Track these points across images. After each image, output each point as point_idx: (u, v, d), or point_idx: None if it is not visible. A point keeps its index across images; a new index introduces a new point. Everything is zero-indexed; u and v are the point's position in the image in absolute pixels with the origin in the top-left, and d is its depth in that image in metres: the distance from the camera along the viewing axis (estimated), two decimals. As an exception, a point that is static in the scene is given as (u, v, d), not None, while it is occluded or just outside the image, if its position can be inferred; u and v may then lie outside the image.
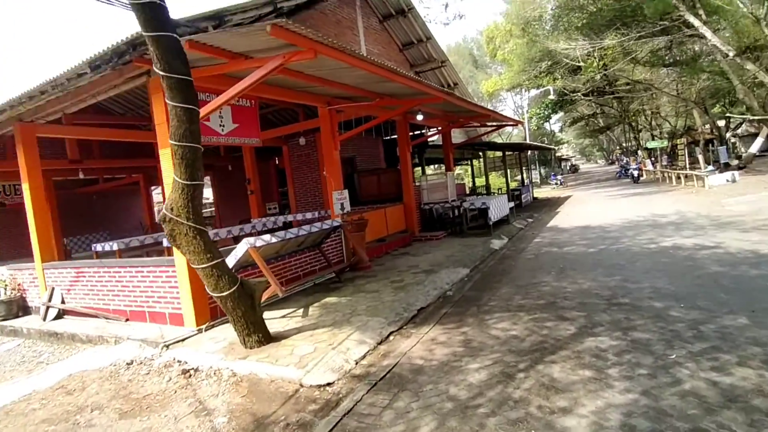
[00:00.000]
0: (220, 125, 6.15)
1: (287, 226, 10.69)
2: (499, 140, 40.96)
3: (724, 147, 26.02)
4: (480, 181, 29.32)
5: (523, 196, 20.21)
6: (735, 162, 24.35)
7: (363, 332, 4.93)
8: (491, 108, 15.18)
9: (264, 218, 10.22)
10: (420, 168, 17.21)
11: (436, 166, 29.30)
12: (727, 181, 17.18)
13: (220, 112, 6.15)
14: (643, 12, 21.19)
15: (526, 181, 24.60)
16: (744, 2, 16.82)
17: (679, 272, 5.97)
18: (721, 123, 35.03)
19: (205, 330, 5.35)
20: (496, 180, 33.34)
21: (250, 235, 9.23)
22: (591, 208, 15.70)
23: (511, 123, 13.87)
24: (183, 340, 5.10)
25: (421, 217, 12.32)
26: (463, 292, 6.42)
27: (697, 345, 3.69)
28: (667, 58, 24.79)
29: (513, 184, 30.95)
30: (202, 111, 4.96)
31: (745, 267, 5.81)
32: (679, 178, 22.04)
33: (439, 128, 13.37)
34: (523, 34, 26.68)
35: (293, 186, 13.08)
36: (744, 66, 18.12)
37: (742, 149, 32.10)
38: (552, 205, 19.37)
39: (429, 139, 16.99)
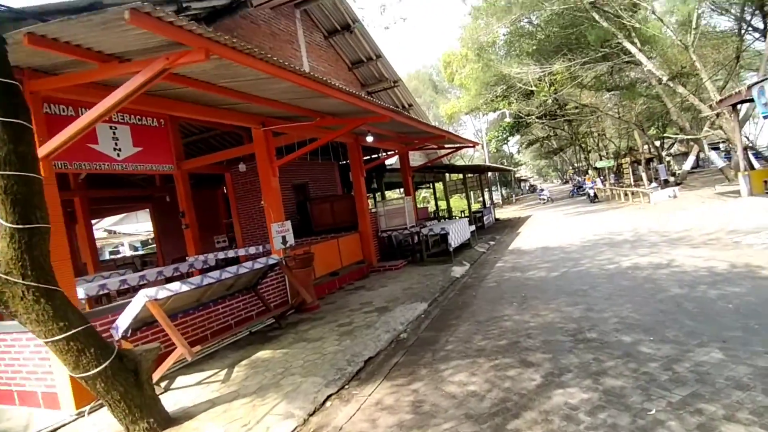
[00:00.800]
0: (115, 149, 4.98)
1: (232, 261, 9.46)
2: (460, 162, 40.91)
3: (663, 165, 26.54)
4: (443, 204, 28.76)
5: (485, 217, 19.57)
6: (672, 179, 24.81)
7: (292, 400, 3.80)
8: (452, 131, 14.51)
9: (204, 255, 8.96)
10: (380, 193, 16.29)
11: (401, 190, 28.62)
12: (669, 197, 17.17)
13: (114, 133, 5.00)
14: (586, 39, 21.39)
15: (488, 202, 24.07)
16: (672, 32, 17.06)
17: (641, 296, 5.51)
18: (658, 143, 36.17)
19: (89, 413, 4.01)
20: (459, 202, 32.90)
21: (188, 275, 7.99)
22: (551, 228, 15.14)
23: (469, 144, 13.19)
24: (56, 430, 3.82)
25: (379, 246, 11.31)
26: (419, 333, 5.39)
27: (676, 392, 3.10)
28: (609, 83, 25.16)
29: (475, 206, 30.54)
30: (67, 130, 3.81)
31: (703, 287, 5.49)
32: (626, 195, 22.00)
33: (393, 151, 12.54)
34: (478, 59, 26.61)
35: (238, 217, 11.80)
36: (676, 90, 18.37)
37: (676, 167, 32.98)
38: (513, 225, 18.78)
39: (387, 163, 16.18)
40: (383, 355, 4.80)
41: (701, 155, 34.63)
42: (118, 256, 23.88)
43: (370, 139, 9.03)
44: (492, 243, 13.42)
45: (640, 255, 8.07)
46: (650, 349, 3.90)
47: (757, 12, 22.99)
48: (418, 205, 38.83)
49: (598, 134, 38.49)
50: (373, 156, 14.89)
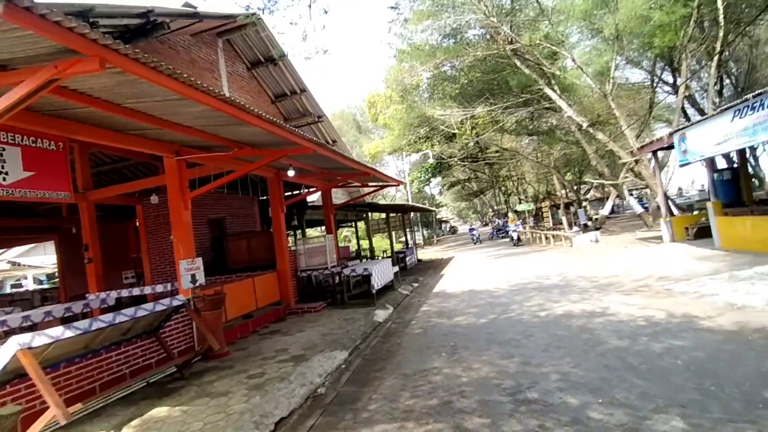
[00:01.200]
0: (1, 172, 4.48)
1: (139, 299, 8.74)
2: (383, 202, 41.82)
3: (582, 210, 29.26)
4: (366, 243, 29.00)
5: (407, 258, 20.00)
6: (591, 223, 27.33)
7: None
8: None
9: (107, 292, 8.16)
10: (300, 230, 16.08)
11: (323, 228, 28.44)
12: (591, 241, 18.78)
13: (1, 155, 4.51)
14: (508, 85, 23.47)
15: (410, 242, 24.73)
16: (591, 81, 19.26)
17: (580, 348, 5.41)
18: (575, 188, 39.97)
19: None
20: (381, 242, 33.35)
21: (83, 315, 7.20)
22: (475, 271, 15.81)
23: (393, 183, 13.62)
24: None
25: (297, 286, 11.06)
26: (339, 387, 5.19)
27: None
28: (530, 128, 27.61)
29: (398, 246, 31.13)
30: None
31: (644, 339, 5.44)
32: (548, 238, 23.79)
33: (315, 187, 12.56)
34: (402, 100, 27.96)
35: (148, 252, 11.02)
36: (595, 136, 20.56)
37: (593, 212, 36.55)
38: (436, 267, 19.37)
39: (309, 200, 16.10)
40: (297, 415, 4.53)
41: (616, 201, 38.65)
42: (21, 289, 21.57)
43: (291, 173, 8.98)
44: (416, 285, 13.69)
45: (572, 301, 8.30)
46: (601, 414, 3.66)
47: (666, 67, 26.64)
48: (340, 244, 38.76)
49: (518, 178, 41.63)
50: (294, 192, 14.77)
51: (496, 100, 22.95)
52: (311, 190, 12.77)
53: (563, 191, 40.19)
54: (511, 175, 40.91)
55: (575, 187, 39.35)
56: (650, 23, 18.29)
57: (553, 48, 20.02)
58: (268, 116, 5.87)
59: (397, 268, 12.97)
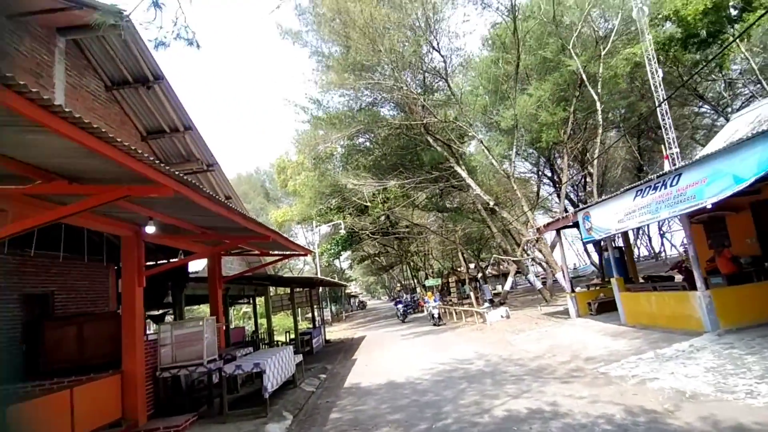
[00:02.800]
0: None
1: None
2: (289, 275, 38.28)
3: (487, 286, 28.49)
4: (268, 321, 25.13)
5: (314, 340, 16.87)
6: (496, 299, 26.48)
7: None
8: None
9: None
10: (178, 310, 12.50)
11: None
12: (502, 317, 17.26)
13: None
14: (421, 161, 22.66)
15: (318, 321, 21.54)
16: (496, 163, 18.94)
17: None
18: (472, 264, 40.07)
19: None
20: (285, 320, 29.57)
21: None
22: (390, 354, 13.23)
23: (300, 252, 10.98)
24: None
25: (155, 393, 7.64)
26: None
27: None
28: (440, 204, 26.85)
29: (303, 325, 27.55)
30: None
31: None
32: (459, 314, 22.06)
33: (196, 252, 9.59)
34: (315, 167, 26.06)
35: None
36: (501, 214, 19.99)
37: (493, 288, 36.34)
38: (347, 350, 16.42)
39: (192, 269, 12.85)
40: None
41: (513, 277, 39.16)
42: None
43: (150, 229, 6.15)
44: (323, 377, 10.72)
45: (512, 395, 6.49)
46: None
47: (546, 163, 28.23)
48: (238, 324, 33.98)
49: (425, 254, 40.72)
50: (171, 260, 11.48)
51: (408, 174, 21.88)
52: (193, 256, 9.73)
53: (467, 267, 39.95)
54: (420, 250, 39.90)
55: (483, 264, 39.48)
56: (538, 121, 19.25)
57: (463, 128, 19.71)
58: (82, 120, 3.23)
59: (300, 357, 9.98)
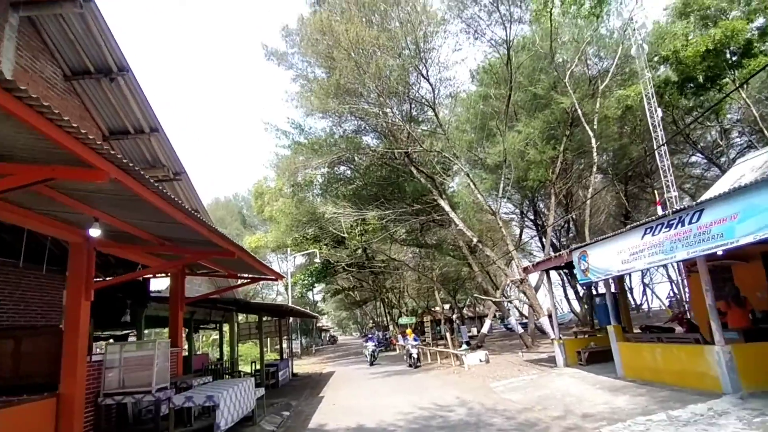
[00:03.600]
0: None
1: None
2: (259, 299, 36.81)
3: (464, 327, 27.74)
4: (235, 351, 23.69)
5: (280, 372, 15.78)
6: (473, 341, 25.71)
7: None
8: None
9: None
10: (136, 332, 11.46)
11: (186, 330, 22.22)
12: (481, 361, 16.49)
13: None
14: (403, 194, 22.34)
15: (286, 353, 20.37)
16: (482, 197, 18.71)
17: None
18: (447, 305, 39.33)
19: None
20: (252, 350, 28.08)
21: None
22: (360, 393, 12.31)
23: (270, 276, 10.21)
24: None
25: (95, 422, 6.66)
26: None
27: None
28: (420, 239, 26.41)
29: (270, 356, 26.13)
30: None
31: None
32: (434, 355, 21.17)
33: (151, 267, 8.78)
34: (293, 194, 25.47)
35: None
36: (484, 251, 19.63)
37: (471, 330, 35.54)
38: (314, 385, 15.35)
39: (155, 288, 11.96)
40: None
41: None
42: None
43: (95, 232, 5.44)
44: (286, 414, 9.76)
45: None
46: None
47: (529, 206, 28.30)
48: (207, 351, 32.13)
49: (400, 291, 39.85)
50: (141, 278, 10.61)
51: (389, 206, 21.45)
52: (149, 270, 8.90)
53: (442, 307, 39.18)
54: (395, 286, 39.04)
55: (459, 305, 38.74)
56: (526, 159, 19.29)
57: (448, 161, 19.59)
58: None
59: (262, 391, 9.06)
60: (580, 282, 10.62)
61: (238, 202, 47.37)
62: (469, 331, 33.63)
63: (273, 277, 10.21)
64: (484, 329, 26.79)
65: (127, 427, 7.10)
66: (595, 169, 18.35)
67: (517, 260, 17.99)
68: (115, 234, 6.91)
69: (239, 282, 12.80)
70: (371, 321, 73.86)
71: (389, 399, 10.71)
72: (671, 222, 8.08)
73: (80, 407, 6.26)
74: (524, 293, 17.23)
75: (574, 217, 27.67)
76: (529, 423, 7.19)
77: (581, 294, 34.03)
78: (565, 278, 36.45)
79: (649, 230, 8.60)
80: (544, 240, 29.01)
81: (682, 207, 8.17)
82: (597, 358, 11.87)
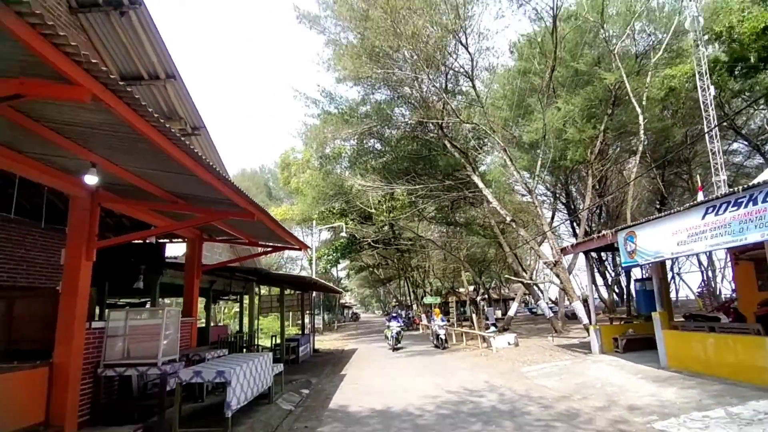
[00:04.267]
0: None
1: None
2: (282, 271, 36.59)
3: (491, 309, 26.72)
4: (259, 323, 23.42)
5: (301, 348, 15.27)
6: (499, 324, 24.73)
7: None
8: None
9: None
10: (151, 299, 10.98)
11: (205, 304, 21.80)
12: (509, 344, 15.54)
13: None
14: (434, 168, 21.27)
15: (308, 328, 19.91)
16: (518, 174, 17.46)
17: None
18: (471, 287, 38.25)
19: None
20: (274, 323, 27.91)
21: None
22: (383, 373, 11.63)
23: (293, 244, 9.45)
24: None
25: (94, 394, 6.10)
26: None
27: None
28: (450, 217, 25.31)
29: (291, 331, 25.89)
30: None
31: None
32: (460, 336, 20.34)
33: (158, 227, 8.09)
34: (321, 166, 24.71)
35: None
36: (517, 231, 18.46)
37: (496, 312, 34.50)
38: (335, 362, 14.80)
39: (171, 254, 11.43)
40: None
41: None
42: None
43: (91, 180, 4.71)
44: (305, 393, 9.13)
45: None
46: None
47: (562, 188, 26.77)
48: (225, 321, 32.23)
49: (425, 270, 39.00)
50: (149, 241, 10.07)
51: (420, 181, 20.42)
52: (156, 229, 8.26)
53: (467, 288, 38.23)
54: (420, 265, 38.18)
55: (486, 287, 37.71)
56: (564, 137, 17.97)
57: (484, 133, 18.37)
58: None
59: (280, 367, 8.42)
60: (624, 265, 9.56)
61: (264, 174, 47.06)
62: (494, 314, 32.67)
63: (297, 246, 9.45)
64: (511, 312, 25.80)
65: (130, 401, 6.54)
66: (641, 148, 16.78)
67: (553, 241, 16.78)
68: (122, 188, 6.22)
69: (261, 251, 12.16)
70: (394, 299, 73.68)
71: (415, 381, 9.97)
72: (740, 200, 7.12)
73: (76, 378, 5.70)
74: (558, 276, 16.07)
75: (606, 201, 26.08)
76: (570, 413, 6.36)
77: (610, 280, 32.54)
78: (593, 263, 34.72)
79: (711, 209, 7.65)
80: (575, 224, 27.55)
81: (753, 184, 7.06)
82: (635, 345, 10.98)
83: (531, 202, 25.10)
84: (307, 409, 7.69)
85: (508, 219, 17.23)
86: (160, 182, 5.82)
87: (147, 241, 10.70)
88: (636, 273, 26.17)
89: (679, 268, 49.06)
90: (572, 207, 29.46)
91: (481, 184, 17.58)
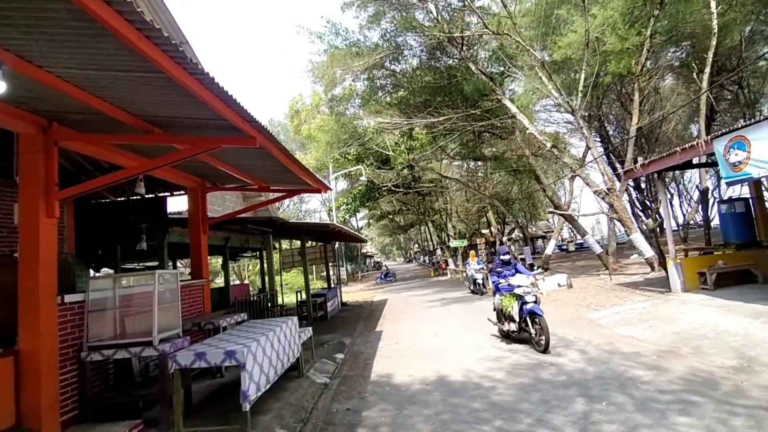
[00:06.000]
0: None
1: None
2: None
3: (528, 248, 25.29)
4: (282, 279, 22.53)
5: (329, 303, 14.16)
6: (537, 264, 23.39)
7: None
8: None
9: None
10: (159, 262, 9.70)
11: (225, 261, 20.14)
12: (560, 285, 14.09)
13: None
14: (456, 95, 19.13)
15: (334, 281, 18.84)
16: (556, 92, 15.22)
17: None
18: (494, 228, 36.65)
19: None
20: (297, 278, 27.13)
21: None
22: (423, 327, 10.38)
23: (313, 185, 7.86)
24: None
25: (80, 385, 4.84)
26: None
27: None
28: (476, 151, 23.34)
29: (317, 285, 25.01)
30: None
31: None
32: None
33: (123, 171, 6.57)
34: (331, 109, 22.77)
35: None
36: (561, 158, 16.55)
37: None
38: (367, 317, 13.67)
39: (175, 209, 10.08)
40: None
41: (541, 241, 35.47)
42: None
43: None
44: (340, 358, 7.91)
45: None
46: None
47: (596, 114, 24.11)
48: (251, 279, 31.56)
49: (447, 214, 37.43)
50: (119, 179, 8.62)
51: (442, 113, 18.38)
52: (127, 173, 6.75)
53: (496, 227, 36.75)
54: (443, 208, 36.57)
55: (498, 228, 36.07)
56: (601, 50, 15.48)
57: (520, 41, 15.93)
58: None
59: (309, 332, 7.12)
60: (727, 180, 7.70)
61: (274, 127, 44.96)
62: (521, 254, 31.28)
63: (315, 187, 7.89)
64: (548, 250, 24.29)
65: (127, 389, 5.31)
66: (714, 42, 14.18)
67: (604, 166, 14.87)
68: (80, 119, 4.65)
69: (274, 197, 10.70)
70: (416, 245, 72.96)
71: (464, 336, 8.66)
72: None
73: (51, 366, 4.44)
74: (611, 206, 14.30)
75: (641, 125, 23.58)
76: (699, 379, 4.70)
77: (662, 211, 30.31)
78: (633, 191, 32.39)
79: None
80: (611, 154, 25.16)
81: None
82: (727, 280, 9.35)
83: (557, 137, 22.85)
84: (345, 380, 6.44)
85: (549, 145, 15.32)
86: (121, 98, 4.21)
87: (146, 196, 9.29)
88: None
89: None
90: (606, 134, 27.07)
91: (514, 109, 15.54)
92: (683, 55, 21.22)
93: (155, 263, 12.37)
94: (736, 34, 19.06)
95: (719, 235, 12.30)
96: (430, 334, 9.34)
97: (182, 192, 9.30)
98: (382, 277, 35.23)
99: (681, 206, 43.88)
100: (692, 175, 40.18)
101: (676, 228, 28.75)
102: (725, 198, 18.95)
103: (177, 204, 10.63)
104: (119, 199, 9.46)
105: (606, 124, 27.05)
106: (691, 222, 31.19)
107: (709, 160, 9.95)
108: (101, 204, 9.24)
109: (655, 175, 11.31)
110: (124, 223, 8.68)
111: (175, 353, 4.37)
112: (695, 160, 9.87)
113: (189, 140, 4.91)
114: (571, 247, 43.48)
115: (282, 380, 5.75)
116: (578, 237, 51.51)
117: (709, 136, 7.76)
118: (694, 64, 22.23)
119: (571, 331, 7.86)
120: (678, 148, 8.48)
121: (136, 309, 5.15)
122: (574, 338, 7.32)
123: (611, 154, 24.71)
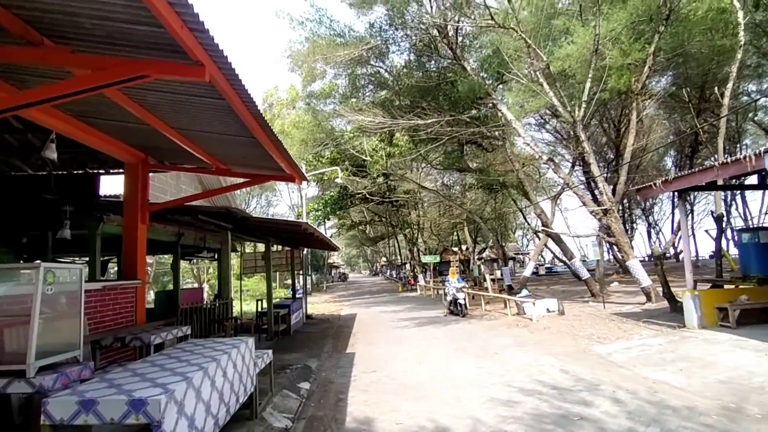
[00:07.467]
0: None
1: None
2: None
3: (507, 269, 24.23)
4: (250, 284, 20.58)
5: (293, 315, 12.48)
6: (515, 286, 22.38)
7: None
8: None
9: None
10: (90, 259, 7.85)
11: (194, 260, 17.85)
12: (550, 311, 12.83)
13: None
14: (444, 99, 18.04)
15: (299, 290, 17.10)
16: (556, 101, 14.28)
17: None
18: (463, 247, 35.85)
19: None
20: (259, 284, 25.15)
21: None
22: (405, 351, 8.90)
23: (286, 171, 6.36)
24: None
25: None
26: None
27: None
28: (461, 161, 22.20)
29: (280, 293, 23.18)
30: None
31: None
32: (477, 299, 17.81)
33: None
34: (308, 104, 21.25)
35: None
36: (557, 172, 15.56)
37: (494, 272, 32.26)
38: (336, 334, 12.06)
39: (111, 190, 8.35)
40: None
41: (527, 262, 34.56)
42: None
43: None
44: (305, 390, 6.31)
45: None
46: None
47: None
48: (211, 283, 29.19)
49: (419, 227, 36.27)
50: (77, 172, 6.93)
51: (428, 118, 17.18)
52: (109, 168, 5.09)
53: (470, 245, 35.94)
54: (418, 221, 35.39)
55: (468, 247, 35.30)
56: (602, 63, 14.74)
57: (524, 38, 14.92)
58: None
59: (267, 357, 5.52)
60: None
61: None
62: (491, 274, 30.34)
63: (288, 173, 6.33)
64: (526, 272, 23.31)
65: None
66: (739, 55, 13.41)
67: (604, 185, 13.91)
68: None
69: (239, 182, 9.03)
70: (383, 259, 71.49)
71: (456, 368, 7.23)
72: None
73: None
74: (608, 228, 13.34)
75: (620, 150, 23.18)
76: None
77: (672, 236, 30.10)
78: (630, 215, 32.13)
79: None
80: (590, 181, 24.62)
81: None
82: (749, 318, 8.27)
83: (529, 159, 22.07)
84: (312, 425, 4.87)
85: (545, 158, 14.30)
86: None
87: (74, 172, 7.53)
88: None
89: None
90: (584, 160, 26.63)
91: (510, 115, 14.47)
92: (670, 83, 20.92)
93: (85, 257, 10.39)
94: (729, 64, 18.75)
95: (725, 266, 11.50)
96: (413, 361, 7.88)
97: (121, 171, 7.58)
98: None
99: (649, 236, 44.31)
100: (663, 203, 40.46)
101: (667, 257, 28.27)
102: (745, 228, 18.31)
103: (117, 185, 8.83)
104: (40, 173, 7.63)
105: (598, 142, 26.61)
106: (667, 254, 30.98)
107: (729, 183, 9.03)
108: (12, 177, 7.39)
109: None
110: (38, 204, 6.87)
111: (48, 399, 2.73)
112: (719, 181, 8.89)
113: (91, 60, 3.28)
114: (542, 271, 42.83)
115: (227, 425, 4.15)
116: (548, 261, 51.51)
117: (755, 152, 6.68)
118: (686, 90, 21.92)
119: (584, 369, 6.56)
120: (716, 163, 7.39)
121: (7, 320, 3.46)
122: (592, 379, 6.00)
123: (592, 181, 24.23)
